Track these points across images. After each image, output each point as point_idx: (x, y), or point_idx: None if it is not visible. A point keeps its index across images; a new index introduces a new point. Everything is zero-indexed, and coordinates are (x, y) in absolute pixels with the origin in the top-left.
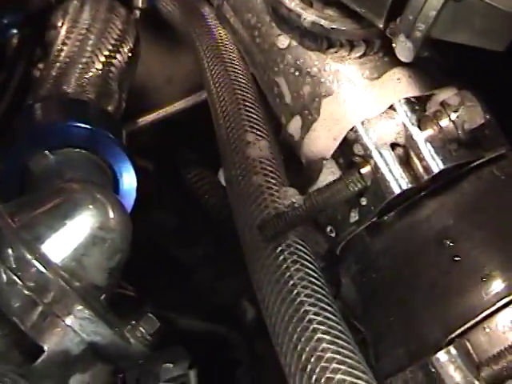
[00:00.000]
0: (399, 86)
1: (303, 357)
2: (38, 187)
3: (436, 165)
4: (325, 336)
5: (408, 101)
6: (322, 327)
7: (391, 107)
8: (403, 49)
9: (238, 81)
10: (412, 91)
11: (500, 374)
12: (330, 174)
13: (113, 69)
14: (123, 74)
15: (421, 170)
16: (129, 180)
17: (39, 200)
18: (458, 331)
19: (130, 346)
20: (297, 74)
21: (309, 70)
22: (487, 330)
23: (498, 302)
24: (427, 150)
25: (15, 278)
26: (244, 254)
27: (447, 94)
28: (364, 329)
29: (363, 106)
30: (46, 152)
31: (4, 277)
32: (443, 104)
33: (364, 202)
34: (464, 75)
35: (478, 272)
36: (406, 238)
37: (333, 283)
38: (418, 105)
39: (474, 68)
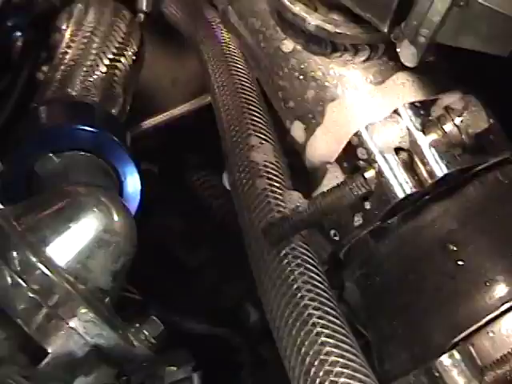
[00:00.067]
0: (403, 90)
1: (307, 360)
2: (43, 190)
3: (440, 169)
4: (328, 339)
5: (412, 105)
6: (326, 331)
7: (395, 111)
8: (407, 54)
9: (243, 84)
10: (416, 96)
11: (503, 379)
12: (334, 178)
13: (117, 72)
14: (128, 77)
15: (425, 174)
16: (133, 183)
17: (44, 203)
18: (462, 335)
19: (134, 348)
20: (301, 78)
21: (313, 74)
22: (491, 334)
23: (501, 306)
24: (431, 155)
25: (20, 280)
26: (248, 257)
27: (451, 99)
28: (367, 332)
29: (367, 111)
30: (51, 155)
31: (9, 279)
32: (447, 108)
33: (368, 206)
34: (468, 80)
35: (481, 276)
36: (409, 243)
37: (335, 287)
38: (422, 109)
39: (478, 73)
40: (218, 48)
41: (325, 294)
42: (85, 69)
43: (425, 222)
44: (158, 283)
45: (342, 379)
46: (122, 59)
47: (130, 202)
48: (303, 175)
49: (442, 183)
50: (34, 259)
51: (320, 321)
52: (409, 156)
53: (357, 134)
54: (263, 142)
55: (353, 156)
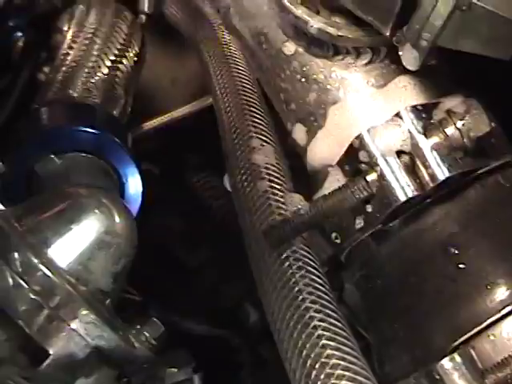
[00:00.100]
0: (405, 93)
1: (308, 363)
2: (44, 191)
3: (442, 172)
4: (330, 342)
5: (414, 108)
6: (327, 333)
7: (397, 115)
8: (409, 57)
9: (244, 86)
10: (418, 99)
11: (504, 382)
12: (335, 181)
13: (119, 73)
14: (129, 78)
15: (426, 177)
16: (134, 184)
17: (45, 204)
18: (463, 338)
19: (134, 350)
20: (303, 80)
21: (315, 76)
22: (492, 337)
23: (502, 309)
24: (433, 158)
25: (21, 281)
26: (249, 259)
27: (453, 102)
28: (368, 335)
29: (369, 114)
30: (52, 156)
31: (10, 280)
32: (449, 112)
33: (370, 209)
34: (470, 83)
35: (482, 279)
36: (411, 245)
37: (335, 288)
38: (424, 112)
39: (479, 76)
40: (219, 49)
41: (326, 297)
42: (86, 70)
43: (426, 225)
44: (158, 283)
45: (343, 382)
46: (124, 60)
47: (131, 203)
48: (304, 178)
49: (444, 186)
50: (35, 260)
51: (321, 323)
52: (410, 159)
53: (359, 137)
54: (264, 144)
55: (354, 159)
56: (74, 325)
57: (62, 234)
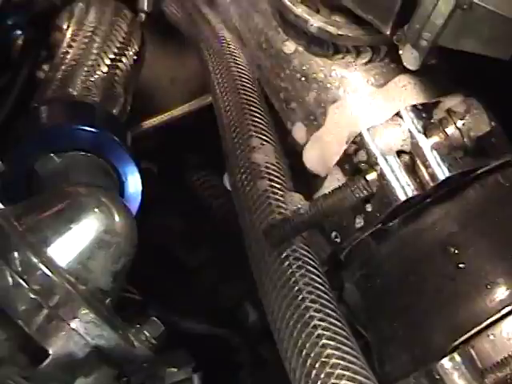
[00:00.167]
0: (405, 92)
1: (308, 362)
2: (44, 190)
3: (442, 172)
4: (330, 342)
5: (414, 108)
6: (327, 333)
7: (397, 114)
8: (409, 56)
9: (244, 85)
10: (418, 98)
11: (504, 381)
12: (335, 180)
13: (118, 72)
14: (128, 76)
15: (426, 177)
16: (134, 183)
17: (45, 203)
18: (463, 338)
19: (134, 349)
20: (303, 79)
21: (315, 75)
22: (491, 337)
23: (502, 309)
24: (433, 158)
25: (21, 281)
26: (249, 258)
27: (453, 102)
28: (367, 334)
29: (369, 113)
30: (52, 155)
31: (10, 280)
32: (449, 111)
33: (369, 208)
34: (470, 83)
35: (482, 279)
36: (410, 245)
37: (335, 287)
38: (424, 112)
39: (479, 75)
40: (219, 48)
41: (326, 296)
42: (86, 68)
43: (426, 225)
44: (158, 283)
45: (343, 381)
46: (123, 59)
47: (130, 202)
48: (304, 177)
49: (444, 186)
50: (35, 260)
51: (321, 323)
52: (410, 159)
53: (358, 137)
54: (264, 143)
55: (354, 158)
56: (74, 324)
57: (61, 233)
